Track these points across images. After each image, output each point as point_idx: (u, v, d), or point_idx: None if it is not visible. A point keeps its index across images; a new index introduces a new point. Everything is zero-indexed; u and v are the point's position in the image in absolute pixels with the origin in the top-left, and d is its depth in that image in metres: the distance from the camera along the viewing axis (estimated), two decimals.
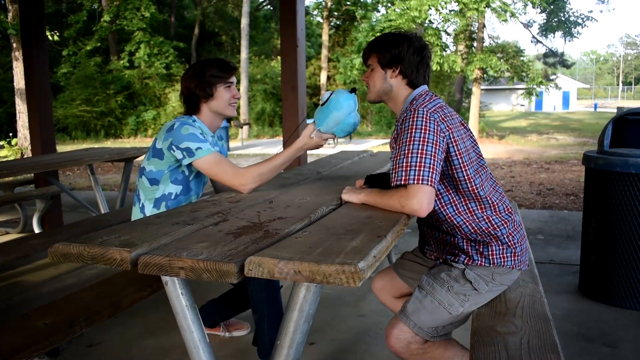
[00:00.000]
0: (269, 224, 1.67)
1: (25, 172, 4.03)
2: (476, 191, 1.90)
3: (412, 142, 1.77)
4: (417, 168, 1.72)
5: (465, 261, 1.96)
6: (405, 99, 2.00)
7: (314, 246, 1.39)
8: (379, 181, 2.11)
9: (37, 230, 4.98)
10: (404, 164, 1.75)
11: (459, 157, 1.86)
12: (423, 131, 1.78)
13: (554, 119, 28.80)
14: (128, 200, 5.15)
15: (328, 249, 1.36)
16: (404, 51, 1.97)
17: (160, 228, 1.62)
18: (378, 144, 16.72)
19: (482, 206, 1.91)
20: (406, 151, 1.76)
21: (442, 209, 1.93)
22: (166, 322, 3.04)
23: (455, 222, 1.93)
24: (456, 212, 1.92)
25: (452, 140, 1.85)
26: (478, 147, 2.00)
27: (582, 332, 2.94)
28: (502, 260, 1.94)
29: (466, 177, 1.88)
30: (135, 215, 2.48)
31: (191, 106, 2.46)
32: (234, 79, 2.47)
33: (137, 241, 1.46)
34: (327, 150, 13.97)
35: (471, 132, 1.99)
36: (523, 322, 1.81)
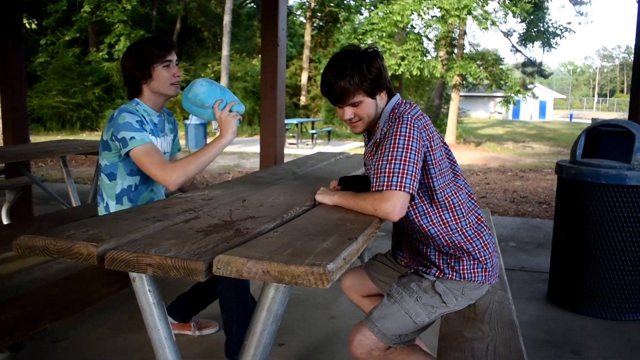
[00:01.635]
0: (240, 222, 1.66)
1: None
2: (450, 200, 1.91)
3: (395, 149, 1.76)
4: (400, 175, 1.73)
5: (437, 274, 1.96)
6: (383, 109, 1.97)
7: (284, 246, 1.38)
8: (353, 183, 2.10)
9: (5, 221, 4.88)
10: (387, 170, 1.74)
11: (434, 166, 1.87)
12: (407, 138, 1.78)
13: (530, 128, 29.21)
14: None
15: (298, 250, 1.35)
16: (382, 69, 1.91)
17: (130, 223, 1.60)
18: (355, 147, 16.76)
19: (456, 216, 1.93)
20: (389, 157, 1.76)
21: (416, 219, 1.94)
22: (135, 319, 3.00)
23: (429, 234, 1.94)
24: (430, 223, 1.93)
25: (430, 149, 1.85)
26: (452, 154, 2.01)
27: (549, 339, 2.98)
28: (473, 275, 1.95)
29: (440, 186, 1.90)
30: (101, 214, 2.44)
31: (132, 88, 2.40)
32: (172, 57, 2.40)
33: (105, 236, 1.43)
34: (304, 150, 13.98)
35: (444, 140, 2.00)
36: (490, 329, 1.83)
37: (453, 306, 1.95)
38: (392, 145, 1.78)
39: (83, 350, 2.72)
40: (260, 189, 2.29)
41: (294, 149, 14.64)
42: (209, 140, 16.98)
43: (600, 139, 3.61)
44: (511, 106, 24.46)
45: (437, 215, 1.92)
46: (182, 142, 15.29)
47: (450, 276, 1.95)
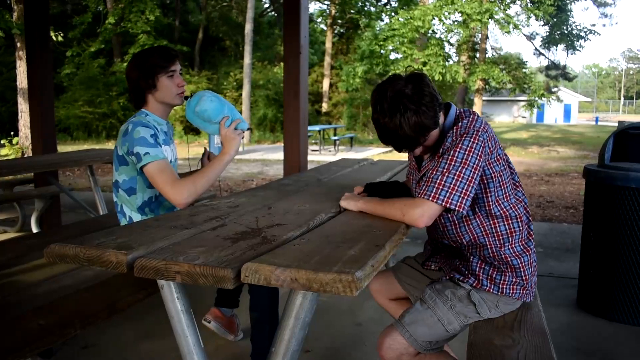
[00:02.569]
0: (267, 230, 1.66)
1: (25, 171, 4.03)
2: (507, 212, 1.89)
3: (453, 162, 1.74)
4: (449, 190, 1.71)
5: (474, 284, 1.93)
6: (443, 124, 1.88)
7: (312, 254, 1.38)
8: (379, 190, 2.10)
9: (35, 230, 4.97)
10: (438, 181, 1.72)
11: (493, 179, 1.84)
12: (466, 152, 1.74)
13: (555, 132, 28.83)
14: None
15: (325, 257, 1.35)
16: (433, 99, 1.78)
17: (158, 231, 1.61)
18: (379, 152, 16.72)
19: (511, 229, 1.90)
20: (444, 169, 1.73)
21: (469, 232, 1.92)
22: (161, 325, 3.02)
23: (480, 242, 1.91)
24: (483, 233, 1.90)
25: (489, 163, 1.81)
26: (511, 163, 1.96)
27: (580, 347, 2.93)
28: (511, 291, 1.92)
29: (499, 198, 1.87)
30: None
31: (138, 98, 2.40)
32: (176, 67, 2.39)
33: (134, 244, 1.45)
34: (328, 157, 13.99)
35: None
36: (520, 336, 1.80)
37: (486, 317, 1.92)
38: (449, 158, 1.75)
39: (112, 356, 2.75)
40: (285, 196, 2.30)
41: (317, 156, 14.67)
42: None
43: (628, 141, 3.54)
44: (535, 110, 24.21)
45: (492, 226, 1.89)
46: (200, 150, 15.41)
47: (487, 288, 1.92)
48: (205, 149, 2.67)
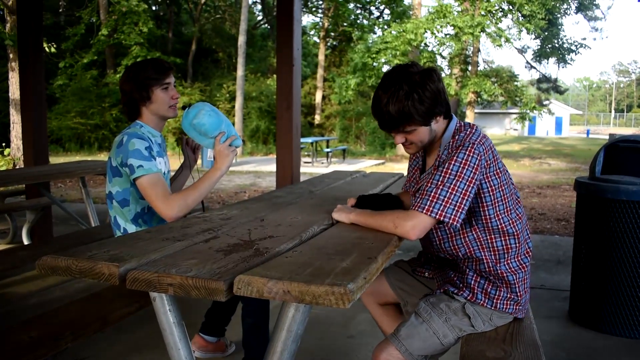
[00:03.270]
0: (259, 242, 1.66)
1: (16, 182, 4.01)
2: (505, 228, 1.88)
3: (447, 175, 1.74)
4: (443, 203, 1.71)
5: (468, 297, 1.93)
6: (443, 132, 1.90)
7: (304, 266, 1.38)
8: (371, 202, 2.10)
9: (26, 241, 4.94)
10: (432, 194, 1.73)
11: (491, 193, 1.83)
12: (462, 165, 1.74)
13: (547, 144, 29.02)
14: None
15: (318, 270, 1.35)
16: (437, 94, 1.79)
17: (150, 243, 1.61)
18: (371, 165, 16.76)
19: (508, 245, 1.89)
20: (438, 182, 1.74)
21: (465, 246, 1.91)
22: (153, 338, 3.01)
23: (476, 256, 1.90)
24: (479, 247, 1.90)
25: (486, 176, 1.80)
26: (511, 179, 1.95)
27: (571, 359, 2.93)
28: (505, 306, 1.92)
29: (498, 213, 1.86)
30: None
31: (132, 110, 2.41)
32: (170, 79, 2.41)
33: (126, 256, 1.45)
34: (320, 169, 14.00)
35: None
36: (512, 348, 1.80)
37: (480, 330, 1.92)
38: (444, 171, 1.75)
39: None
40: (278, 208, 2.30)
41: (310, 168, 14.68)
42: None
43: (619, 154, 3.57)
44: (527, 122, 24.36)
45: (489, 241, 1.89)
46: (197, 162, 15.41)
47: (481, 302, 1.92)
48: (182, 137, 2.67)
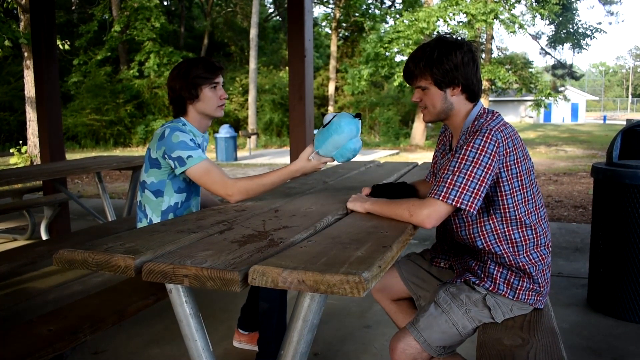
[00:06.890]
0: (273, 232, 1.66)
1: (33, 179, 4.05)
2: (523, 219, 1.84)
3: (464, 161, 1.72)
4: (460, 189, 1.69)
5: (490, 288, 1.90)
6: (466, 115, 1.89)
7: (319, 256, 1.38)
8: (386, 191, 2.09)
9: (44, 237, 5.00)
10: (449, 181, 1.71)
11: (510, 182, 1.80)
12: (479, 152, 1.71)
13: (563, 131, 28.71)
14: (135, 208, 5.16)
15: (332, 259, 1.35)
16: (459, 64, 1.81)
17: (165, 236, 1.62)
18: (385, 155, 16.71)
19: (526, 237, 1.86)
20: (455, 169, 1.72)
21: (481, 237, 1.88)
22: (170, 330, 3.04)
23: (494, 251, 1.87)
24: (497, 241, 1.87)
25: (507, 164, 1.77)
26: (533, 169, 1.90)
27: (590, 346, 2.91)
28: (527, 297, 1.90)
29: (515, 203, 1.82)
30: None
31: (178, 108, 2.40)
32: (220, 79, 2.39)
33: (141, 248, 1.46)
34: None
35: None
36: (530, 336, 1.79)
37: (499, 321, 1.89)
38: (461, 157, 1.73)
39: None
40: (291, 199, 2.30)
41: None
42: (239, 154, 17.17)
43: (636, 139, 3.52)
44: (542, 109, 24.10)
45: (507, 234, 1.85)
46: (212, 155, 15.49)
47: (504, 293, 1.89)
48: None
